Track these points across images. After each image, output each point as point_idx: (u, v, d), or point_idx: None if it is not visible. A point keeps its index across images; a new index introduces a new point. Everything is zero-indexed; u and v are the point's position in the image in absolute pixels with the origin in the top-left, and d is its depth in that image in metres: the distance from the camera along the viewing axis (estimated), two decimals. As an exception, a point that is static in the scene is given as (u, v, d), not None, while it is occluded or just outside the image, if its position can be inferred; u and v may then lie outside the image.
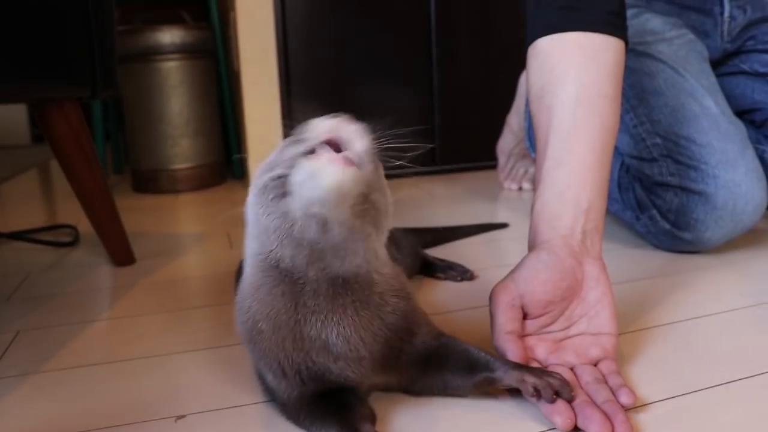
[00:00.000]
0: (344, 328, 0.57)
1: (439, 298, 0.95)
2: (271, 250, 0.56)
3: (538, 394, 0.58)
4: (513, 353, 0.64)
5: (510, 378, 0.59)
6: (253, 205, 0.56)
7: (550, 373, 0.59)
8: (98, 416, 0.65)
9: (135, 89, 1.85)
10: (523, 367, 0.60)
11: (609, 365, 0.66)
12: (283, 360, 0.58)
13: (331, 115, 0.55)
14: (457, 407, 0.64)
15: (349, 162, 0.51)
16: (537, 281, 0.68)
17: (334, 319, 0.57)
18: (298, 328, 0.57)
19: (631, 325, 0.82)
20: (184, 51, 1.85)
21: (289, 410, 0.61)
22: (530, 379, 0.58)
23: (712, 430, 0.59)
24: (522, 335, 0.67)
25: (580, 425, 0.58)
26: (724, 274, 1.02)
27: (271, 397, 0.64)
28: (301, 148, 0.52)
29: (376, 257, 0.59)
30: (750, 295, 0.92)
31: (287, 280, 0.57)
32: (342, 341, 0.57)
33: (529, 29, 0.82)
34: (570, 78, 0.76)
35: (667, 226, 1.08)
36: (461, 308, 0.90)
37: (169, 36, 1.82)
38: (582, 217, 0.72)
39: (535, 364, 0.65)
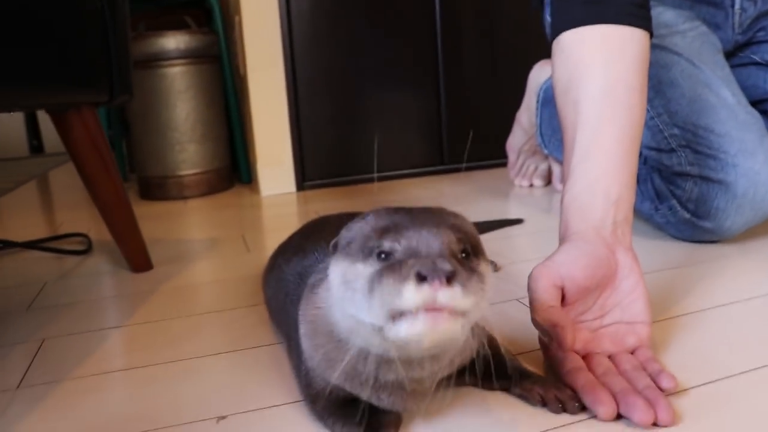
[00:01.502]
0: (423, 378, 0.54)
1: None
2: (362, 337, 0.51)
3: (543, 402, 0.61)
4: (564, 321, 0.63)
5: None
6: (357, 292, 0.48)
7: (559, 386, 0.61)
8: (138, 420, 0.65)
9: (141, 95, 1.84)
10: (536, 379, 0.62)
11: (645, 353, 0.66)
12: (341, 389, 0.57)
13: (423, 262, 0.44)
14: (479, 409, 0.63)
15: (454, 315, 0.45)
16: (577, 266, 0.67)
17: (415, 374, 0.53)
18: (372, 379, 0.54)
19: (660, 314, 0.81)
20: (188, 56, 1.84)
21: (317, 410, 0.60)
22: (538, 390, 0.61)
23: (752, 413, 0.59)
24: None
25: (623, 413, 0.58)
26: (745, 263, 1.02)
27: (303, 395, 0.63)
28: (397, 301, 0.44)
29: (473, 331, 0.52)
30: (776, 282, 0.92)
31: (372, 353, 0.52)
32: (417, 383, 0.54)
33: (553, 24, 0.83)
34: (596, 71, 0.77)
35: (687, 215, 1.08)
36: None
37: (173, 41, 1.82)
38: (612, 208, 0.72)
39: (572, 356, 0.64)
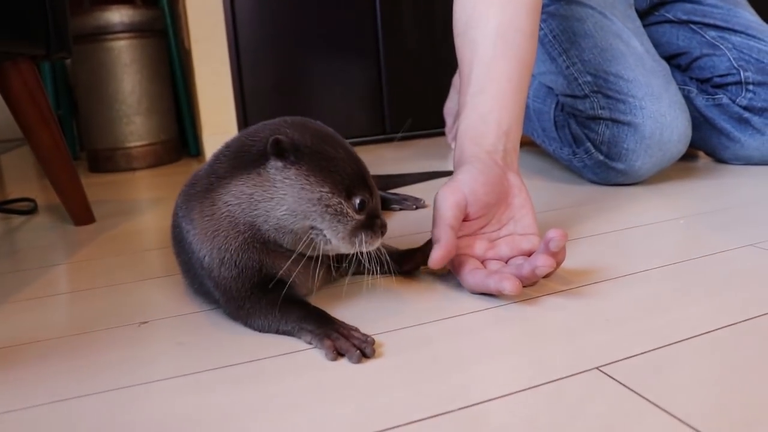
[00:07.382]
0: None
1: (396, 226, 1.01)
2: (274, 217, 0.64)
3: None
4: (446, 242, 0.68)
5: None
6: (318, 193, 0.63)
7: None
8: (69, 327, 0.70)
9: (87, 69, 1.87)
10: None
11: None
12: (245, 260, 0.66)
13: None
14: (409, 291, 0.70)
15: None
16: (478, 183, 0.73)
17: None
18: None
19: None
20: (134, 30, 1.87)
21: (235, 301, 0.66)
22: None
23: (619, 303, 0.67)
24: (460, 235, 0.73)
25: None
26: (653, 198, 1.10)
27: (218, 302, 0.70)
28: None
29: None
30: (675, 211, 1.00)
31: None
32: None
33: None
34: (491, 14, 0.83)
35: (601, 157, 1.15)
36: (414, 233, 0.96)
37: (118, 15, 1.85)
38: (503, 137, 0.78)
39: (473, 260, 0.72)
